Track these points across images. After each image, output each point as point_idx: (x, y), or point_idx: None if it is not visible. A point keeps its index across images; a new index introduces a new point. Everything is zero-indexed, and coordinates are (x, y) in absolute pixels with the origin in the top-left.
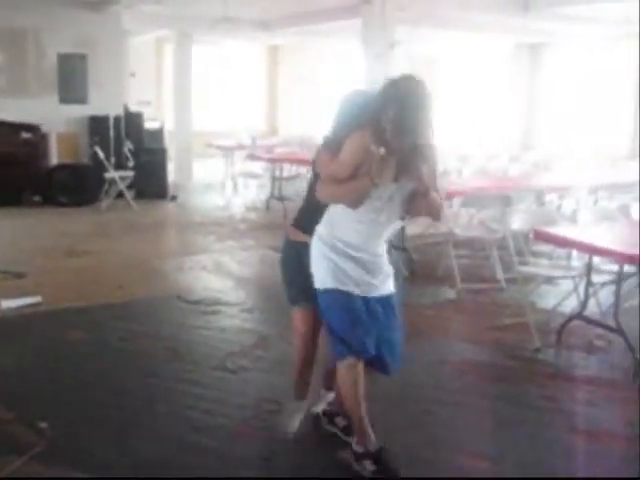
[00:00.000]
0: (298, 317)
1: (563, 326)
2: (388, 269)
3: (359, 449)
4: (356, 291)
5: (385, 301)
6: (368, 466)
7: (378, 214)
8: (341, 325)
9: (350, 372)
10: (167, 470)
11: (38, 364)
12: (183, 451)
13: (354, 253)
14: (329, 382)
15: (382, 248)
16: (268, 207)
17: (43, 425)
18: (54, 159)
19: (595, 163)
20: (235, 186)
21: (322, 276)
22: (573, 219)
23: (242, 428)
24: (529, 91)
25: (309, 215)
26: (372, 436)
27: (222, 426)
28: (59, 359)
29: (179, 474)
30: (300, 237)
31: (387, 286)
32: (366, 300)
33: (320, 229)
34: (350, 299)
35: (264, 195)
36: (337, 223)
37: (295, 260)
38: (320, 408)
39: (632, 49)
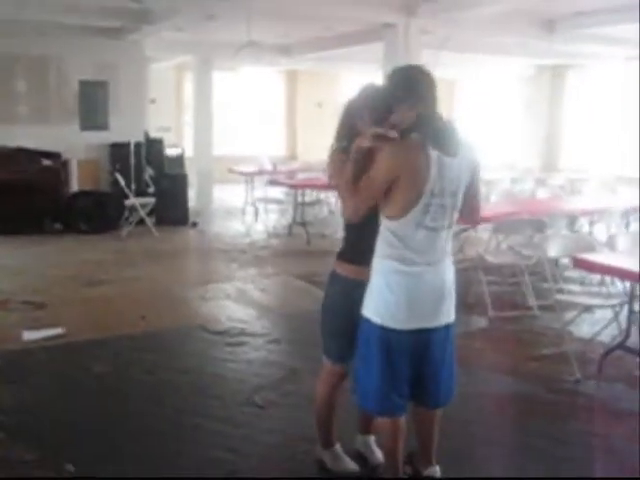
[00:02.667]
0: (334, 373)
1: (604, 356)
2: None
3: None
4: None
5: None
6: None
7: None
8: None
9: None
10: None
11: (61, 399)
12: None
13: None
14: (366, 426)
15: None
16: (290, 233)
17: (70, 468)
18: (75, 186)
19: (621, 186)
20: (256, 212)
21: None
22: (611, 245)
23: (272, 470)
24: (550, 113)
25: (353, 242)
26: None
27: (252, 467)
28: (83, 394)
29: None
30: (350, 272)
31: None
32: None
33: None
34: None
35: (285, 221)
36: None
37: (344, 304)
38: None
39: None
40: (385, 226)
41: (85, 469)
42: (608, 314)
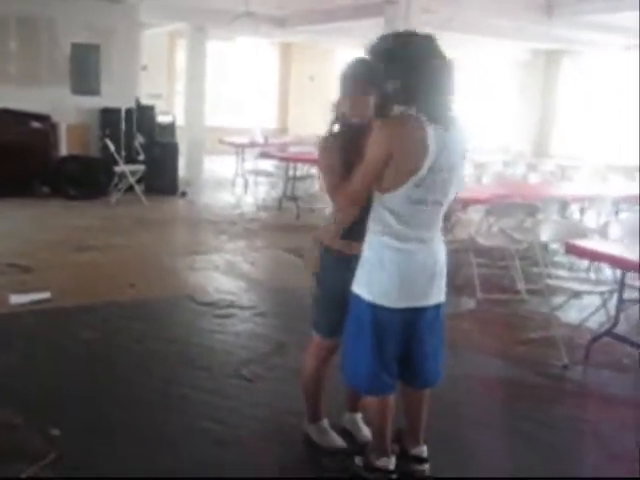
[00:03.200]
0: (324, 347)
1: (592, 343)
2: None
3: (375, 463)
4: None
5: None
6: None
7: None
8: None
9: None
10: None
11: (49, 364)
12: (198, 464)
13: None
14: (353, 403)
15: None
16: (280, 206)
17: (55, 432)
18: (64, 150)
19: (612, 174)
20: (246, 184)
21: None
22: (602, 232)
23: (259, 441)
24: (544, 98)
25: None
26: (391, 457)
27: (239, 439)
28: (71, 360)
29: None
30: (343, 246)
31: None
32: None
33: None
34: None
35: (275, 194)
36: None
37: (337, 278)
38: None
39: None
40: (379, 201)
41: (71, 434)
42: (596, 301)
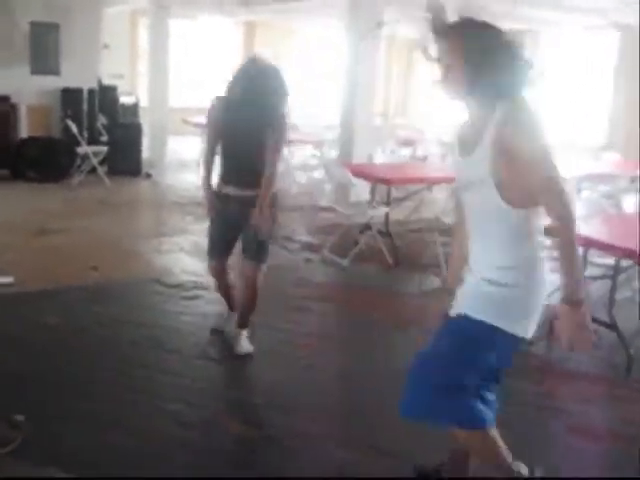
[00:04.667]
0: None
1: (555, 319)
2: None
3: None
4: None
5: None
6: None
7: None
8: None
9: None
10: (149, 466)
11: (12, 350)
12: (165, 446)
13: None
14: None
15: None
16: None
17: (19, 418)
18: (24, 132)
19: (575, 153)
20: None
21: None
22: None
23: (227, 422)
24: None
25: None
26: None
27: (206, 420)
28: (34, 345)
29: (161, 470)
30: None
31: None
32: None
33: None
34: None
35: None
36: None
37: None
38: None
39: (613, 40)
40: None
41: (36, 419)
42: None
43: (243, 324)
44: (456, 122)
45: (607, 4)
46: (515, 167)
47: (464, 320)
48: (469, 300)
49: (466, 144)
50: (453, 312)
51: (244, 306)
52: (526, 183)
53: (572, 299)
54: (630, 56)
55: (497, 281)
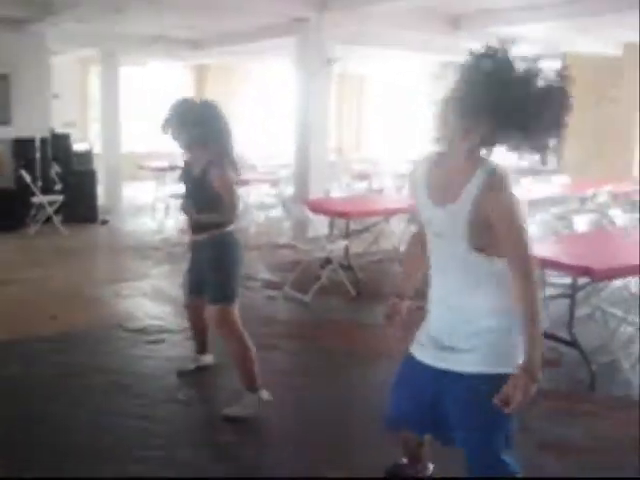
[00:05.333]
0: (234, 312)
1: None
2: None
3: None
4: None
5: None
6: None
7: None
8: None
9: None
10: None
11: None
12: None
13: None
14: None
15: None
16: None
17: None
18: None
19: (529, 177)
20: (167, 208)
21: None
22: None
23: (200, 464)
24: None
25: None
26: None
27: (178, 461)
28: None
29: None
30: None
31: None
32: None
33: None
34: None
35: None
36: None
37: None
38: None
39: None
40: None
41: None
42: None
43: (246, 386)
44: (413, 158)
45: (550, 33)
46: (489, 233)
47: (481, 379)
48: (479, 355)
49: (438, 191)
50: (455, 366)
51: (235, 364)
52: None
53: (532, 373)
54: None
55: (497, 327)
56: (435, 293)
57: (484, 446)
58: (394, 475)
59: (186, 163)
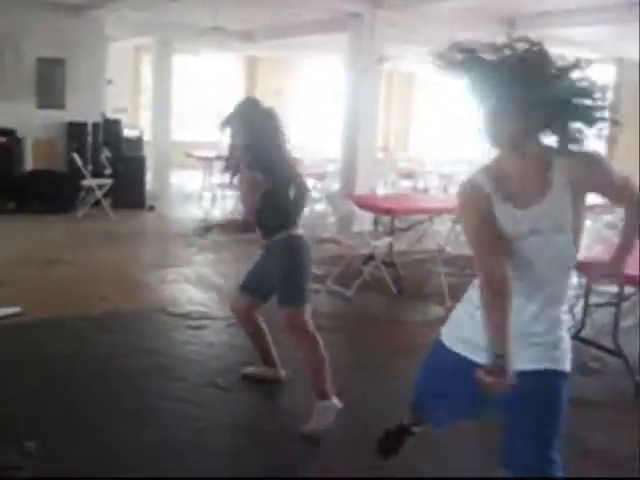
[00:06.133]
0: (305, 316)
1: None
2: None
3: None
4: None
5: None
6: None
7: None
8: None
9: None
10: None
11: (21, 378)
12: (177, 473)
13: None
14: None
15: None
16: None
17: (30, 445)
18: (29, 165)
19: None
20: (214, 197)
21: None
22: None
23: (236, 450)
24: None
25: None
26: None
27: (215, 447)
28: (43, 374)
29: None
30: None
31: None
32: None
33: None
34: None
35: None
36: None
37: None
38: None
39: (606, 74)
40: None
41: (46, 450)
42: None
43: (317, 393)
44: (473, 169)
45: (602, 37)
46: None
47: (554, 376)
48: (554, 353)
49: (521, 196)
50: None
51: (310, 375)
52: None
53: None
54: (628, 89)
55: (564, 326)
56: (528, 309)
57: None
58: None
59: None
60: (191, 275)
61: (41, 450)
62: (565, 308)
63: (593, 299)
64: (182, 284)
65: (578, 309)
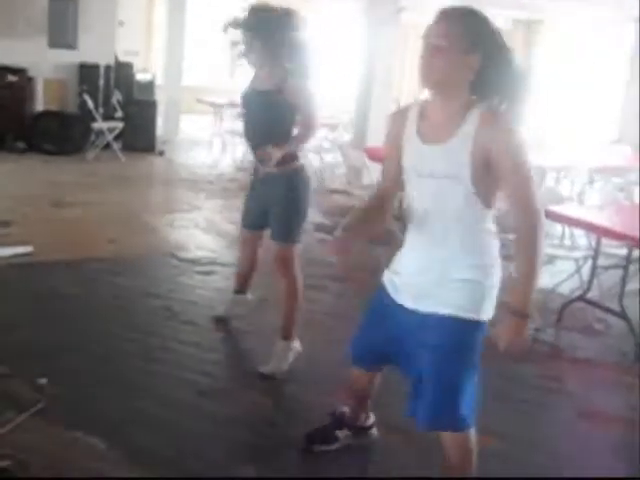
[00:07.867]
0: (296, 253)
1: (565, 307)
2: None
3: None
4: None
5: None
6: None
7: None
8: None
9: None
10: (169, 429)
11: (32, 318)
12: (185, 414)
13: None
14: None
15: None
16: None
17: (42, 381)
18: (40, 105)
19: (588, 145)
20: (224, 144)
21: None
22: (580, 200)
23: (245, 393)
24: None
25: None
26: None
27: (224, 390)
28: (54, 314)
29: (180, 438)
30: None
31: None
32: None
33: None
34: None
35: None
36: None
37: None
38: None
39: (626, 33)
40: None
41: (58, 383)
42: (568, 266)
43: (283, 333)
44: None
45: None
46: (489, 177)
47: (453, 321)
48: (451, 299)
49: (431, 130)
50: (426, 307)
51: (283, 313)
52: (498, 189)
53: (522, 312)
54: None
55: (473, 279)
56: (416, 239)
57: (447, 386)
58: (337, 421)
59: (253, 82)
60: (200, 221)
61: (52, 386)
62: (473, 261)
63: (601, 261)
64: (191, 229)
65: (584, 270)
